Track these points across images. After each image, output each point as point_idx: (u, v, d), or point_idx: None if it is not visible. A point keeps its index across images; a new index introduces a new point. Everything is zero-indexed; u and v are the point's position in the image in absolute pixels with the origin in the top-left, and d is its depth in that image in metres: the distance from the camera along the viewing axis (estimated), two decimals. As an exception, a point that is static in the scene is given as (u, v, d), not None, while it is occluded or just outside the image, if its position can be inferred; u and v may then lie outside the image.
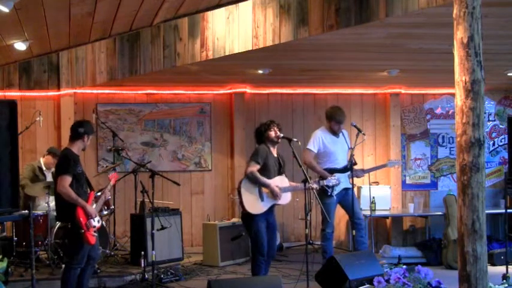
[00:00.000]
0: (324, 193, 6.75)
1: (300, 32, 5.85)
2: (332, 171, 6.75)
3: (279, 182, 6.04)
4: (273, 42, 6.09)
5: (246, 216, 5.97)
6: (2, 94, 7.97)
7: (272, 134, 6.06)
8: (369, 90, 9.35)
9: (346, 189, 6.91)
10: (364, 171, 7.13)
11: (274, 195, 5.96)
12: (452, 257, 7.36)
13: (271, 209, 6.06)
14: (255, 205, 5.93)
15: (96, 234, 5.44)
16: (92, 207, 5.44)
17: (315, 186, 6.17)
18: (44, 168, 7.35)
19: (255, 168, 5.92)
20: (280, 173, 6.13)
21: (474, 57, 3.91)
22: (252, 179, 5.93)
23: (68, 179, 5.29)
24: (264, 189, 5.97)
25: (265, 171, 5.99)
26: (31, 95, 8.13)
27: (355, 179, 6.85)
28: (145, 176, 6.73)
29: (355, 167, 6.78)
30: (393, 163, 7.73)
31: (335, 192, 6.82)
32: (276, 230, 6.22)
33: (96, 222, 5.43)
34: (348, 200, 6.84)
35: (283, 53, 6.51)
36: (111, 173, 6.08)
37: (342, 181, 6.74)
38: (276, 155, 6.15)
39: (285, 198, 6.08)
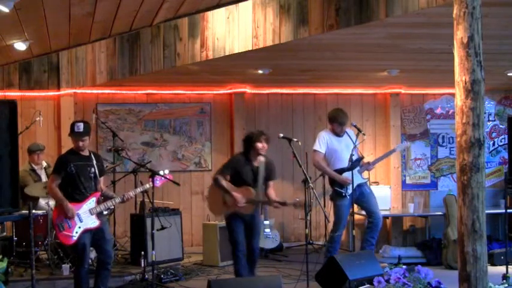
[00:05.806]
0: (337, 194, 6.73)
1: (300, 32, 5.85)
2: (340, 171, 6.69)
3: (242, 191, 6.00)
4: (273, 42, 6.08)
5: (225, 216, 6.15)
6: (2, 94, 7.96)
7: (259, 145, 6.00)
8: (369, 90, 9.35)
9: (359, 186, 6.82)
10: (370, 163, 7.01)
11: (235, 201, 5.94)
12: (452, 257, 7.35)
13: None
14: (217, 207, 6.16)
15: (76, 235, 5.38)
16: (71, 208, 5.37)
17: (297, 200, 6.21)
18: (35, 168, 7.37)
19: (220, 175, 6.06)
20: (256, 182, 6.04)
21: (474, 57, 3.91)
22: (215, 183, 6.07)
23: (53, 179, 5.51)
24: (227, 195, 6.01)
25: (235, 180, 6.03)
26: (31, 95, 8.12)
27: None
28: (145, 176, 6.72)
29: (363, 161, 6.76)
30: (401, 146, 7.64)
31: (349, 192, 6.73)
32: (257, 234, 6.20)
33: (80, 223, 5.40)
34: (364, 197, 6.79)
35: (283, 53, 6.51)
36: (161, 175, 6.10)
37: (354, 179, 6.67)
38: (257, 165, 6.08)
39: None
